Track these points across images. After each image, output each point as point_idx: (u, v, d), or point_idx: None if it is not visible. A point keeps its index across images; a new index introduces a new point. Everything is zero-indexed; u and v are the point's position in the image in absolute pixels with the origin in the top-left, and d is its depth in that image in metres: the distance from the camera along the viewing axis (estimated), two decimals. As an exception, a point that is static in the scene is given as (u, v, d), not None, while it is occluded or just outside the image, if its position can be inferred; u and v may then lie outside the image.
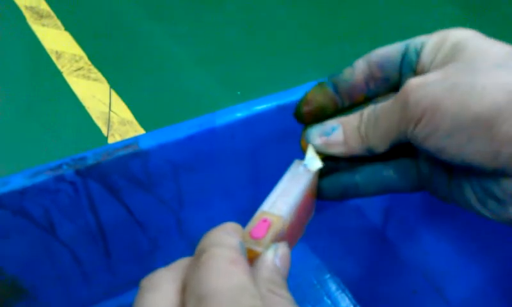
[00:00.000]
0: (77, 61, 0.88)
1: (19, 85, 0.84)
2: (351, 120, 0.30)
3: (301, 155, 0.32)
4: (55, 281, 0.46)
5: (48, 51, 0.91)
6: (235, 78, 0.83)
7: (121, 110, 0.77)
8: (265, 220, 0.26)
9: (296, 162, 0.31)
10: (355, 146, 0.29)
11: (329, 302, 0.50)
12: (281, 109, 0.46)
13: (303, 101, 0.31)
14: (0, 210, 0.40)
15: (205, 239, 0.24)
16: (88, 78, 0.84)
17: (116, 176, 0.42)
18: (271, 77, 0.78)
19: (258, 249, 0.25)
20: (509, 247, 0.41)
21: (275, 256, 0.24)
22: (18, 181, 0.40)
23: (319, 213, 0.58)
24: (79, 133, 0.73)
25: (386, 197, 0.53)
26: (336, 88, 0.30)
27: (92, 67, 0.87)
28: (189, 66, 0.87)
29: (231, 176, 0.47)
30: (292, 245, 0.28)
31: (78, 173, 0.41)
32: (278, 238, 0.26)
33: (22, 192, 0.40)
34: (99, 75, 0.85)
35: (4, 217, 0.40)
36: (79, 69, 0.87)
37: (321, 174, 0.31)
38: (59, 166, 0.40)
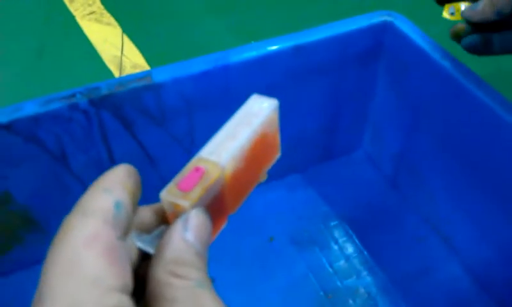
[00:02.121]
0: (89, 5, 0.87)
1: (31, 28, 0.83)
2: None
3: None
4: (65, 213, 0.46)
5: (61, -5, 0.90)
6: (249, 27, 0.82)
7: (133, 54, 0.77)
8: (198, 169, 0.22)
9: (252, 99, 0.27)
10: (488, 11, 0.38)
11: (336, 247, 0.50)
12: (297, 49, 0.45)
13: (453, 30, 0.41)
14: (12, 136, 0.40)
15: (76, 204, 0.21)
16: (101, 22, 0.84)
17: (129, 109, 0.42)
18: (286, 26, 0.76)
19: (184, 203, 0.21)
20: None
21: (184, 229, 0.21)
22: (31, 108, 0.40)
23: (329, 161, 0.58)
24: (91, 76, 0.73)
25: (398, 144, 0.52)
26: None
27: (105, 11, 0.86)
28: (203, 13, 0.86)
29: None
30: (241, 196, 0.25)
31: (91, 102, 0.40)
32: (213, 191, 0.23)
33: (35, 119, 0.40)
34: (112, 20, 0.84)
35: (16, 144, 0.40)
36: (91, 13, 0.86)
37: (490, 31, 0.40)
38: (73, 95, 0.40)
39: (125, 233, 0.21)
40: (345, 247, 0.50)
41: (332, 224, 0.52)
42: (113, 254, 0.19)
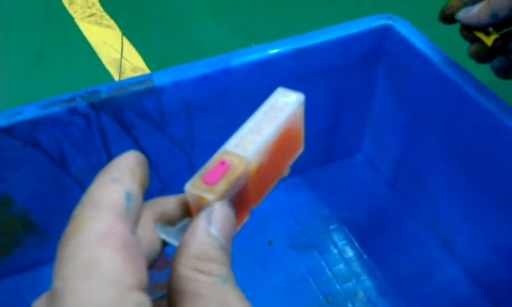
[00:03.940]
0: (89, 7, 0.87)
1: (30, 30, 0.83)
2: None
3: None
4: (64, 217, 0.46)
5: (61, -4, 0.90)
6: (249, 29, 0.81)
7: (133, 57, 0.77)
8: (223, 163, 0.22)
9: (277, 92, 0.26)
10: (484, 14, 0.37)
11: (335, 250, 0.50)
12: (298, 53, 0.45)
13: (445, 7, 0.40)
14: (12, 140, 0.40)
15: (85, 195, 0.20)
16: (100, 24, 0.83)
17: (129, 112, 0.42)
18: (287, 29, 0.76)
19: (209, 197, 0.21)
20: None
21: (208, 224, 0.20)
22: (31, 112, 0.39)
23: (329, 164, 0.58)
24: (90, 79, 0.73)
25: (398, 147, 0.52)
26: None
27: (104, 14, 0.86)
28: (203, 16, 0.86)
29: (246, 119, 0.47)
30: (264, 189, 0.25)
31: (91, 106, 0.40)
32: (238, 184, 0.22)
33: (35, 123, 0.40)
34: (111, 22, 0.84)
35: (15, 147, 0.40)
36: (91, 15, 0.86)
37: (489, 56, 0.40)
38: (73, 98, 0.40)
39: (135, 225, 0.21)
40: (344, 251, 0.50)
41: (331, 227, 0.52)
42: (128, 250, 0.19)
